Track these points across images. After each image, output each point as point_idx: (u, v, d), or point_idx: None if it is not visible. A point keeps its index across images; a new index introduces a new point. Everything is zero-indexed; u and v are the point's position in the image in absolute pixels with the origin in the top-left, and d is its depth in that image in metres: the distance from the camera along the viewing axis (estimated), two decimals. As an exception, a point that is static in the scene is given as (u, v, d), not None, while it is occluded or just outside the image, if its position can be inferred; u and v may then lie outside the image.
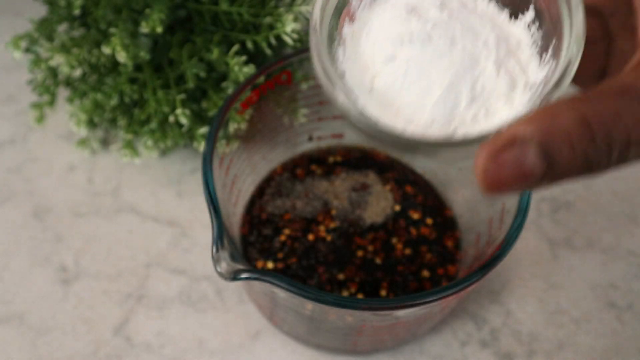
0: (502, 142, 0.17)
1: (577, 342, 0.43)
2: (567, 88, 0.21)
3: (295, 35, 0.43)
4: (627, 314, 0.44)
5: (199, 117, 0.45)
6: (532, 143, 0.17)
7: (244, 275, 0.30)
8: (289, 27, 0.42)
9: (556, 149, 0.17)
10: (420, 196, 0.45)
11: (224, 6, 0.42)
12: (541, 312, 0.44)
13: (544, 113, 0.17)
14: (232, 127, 0.37)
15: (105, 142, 0.51)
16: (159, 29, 0.40)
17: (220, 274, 0.30)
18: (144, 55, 0.42)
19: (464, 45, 0.21)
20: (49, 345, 0.42)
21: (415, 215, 0.44)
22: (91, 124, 0.47)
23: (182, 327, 0.43)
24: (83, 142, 0.50)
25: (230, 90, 0.44)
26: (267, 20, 0.43)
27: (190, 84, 0.43)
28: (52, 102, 0.48)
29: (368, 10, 0.23)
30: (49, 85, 0.48)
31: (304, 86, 0.41)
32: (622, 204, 0.49)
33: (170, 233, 0.47)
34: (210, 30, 0.44)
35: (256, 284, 0.32)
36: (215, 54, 0.42)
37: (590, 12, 0.22)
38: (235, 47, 0.42)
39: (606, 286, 0.45)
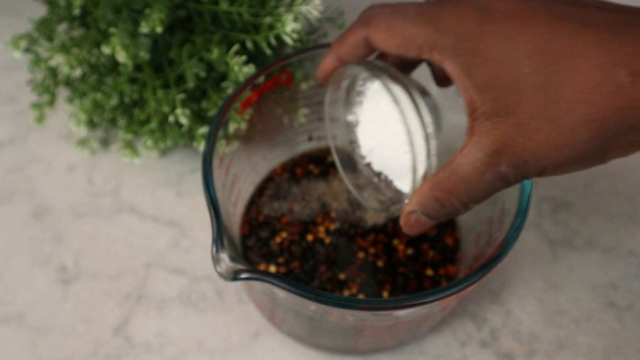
0: (406, 212, 0.30)
1: (577, 342, 0.43)
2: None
3: (295, 35, 0.43)
4: (627, 314, 0.44)
5: (198, 117, 0.45)
6: (417, 211, 0.30)
7: (243, 276, 0.30)
8: (289, 27, 0.42)
9: (428, 212, 0.29)
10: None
11: (224, 6, 0.42)
12: (541, 312, 0.44)
13: (418, 192, 0.29)
14: (232, 127, 0.37)
15: (105, 142, 0.51)
16: (159, 29, 0.40)
17: (220, 274, 0.30)
18: (144, 55, 0.42)
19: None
20: (48, 345, 0.42)
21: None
22: (91, 124, 0.47)
23: (182, 327, 0.43)
24: (83, 142, 0.50)
25: (230, 90, 0.44)
26: (267, 20, 0.43)
27: (190, 84, 0.42)
28: (52, 102, 0.48)
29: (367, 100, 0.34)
30: (48, 85, 0.48)
31: (303, 86, 0.41)
32: (622, 204, 0.49)
33: (170, 233, 0.47)
34: (210, 30, 0.44)
35: (256, 284, 0.32)
36: (215, 54, 0.42)
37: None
38: (235, 47, 0.42)
39: (606, 286, 0.45)
